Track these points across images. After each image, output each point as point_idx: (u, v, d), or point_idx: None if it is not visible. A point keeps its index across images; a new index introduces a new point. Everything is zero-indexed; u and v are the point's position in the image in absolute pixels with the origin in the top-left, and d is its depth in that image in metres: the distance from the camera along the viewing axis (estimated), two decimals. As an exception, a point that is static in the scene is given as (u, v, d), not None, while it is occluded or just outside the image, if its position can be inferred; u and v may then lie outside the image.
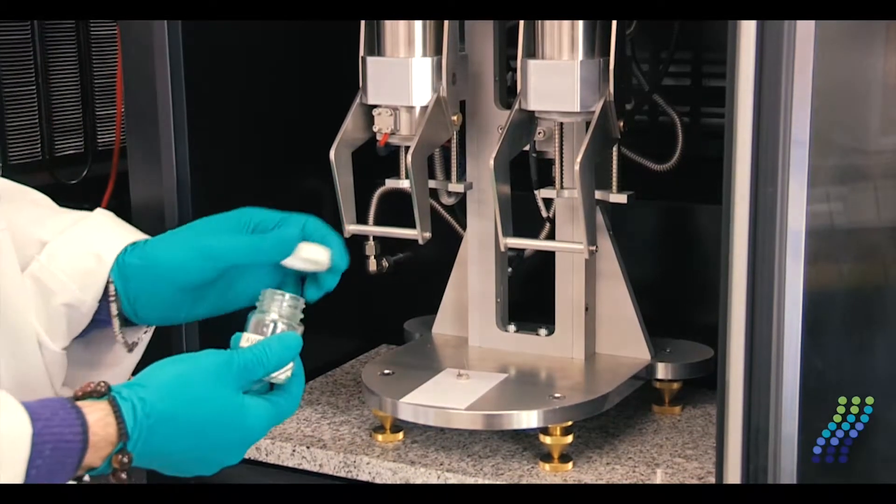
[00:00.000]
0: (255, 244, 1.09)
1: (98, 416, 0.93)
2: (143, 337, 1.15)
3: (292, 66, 1.57)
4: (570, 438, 1.34)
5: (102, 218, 1.21)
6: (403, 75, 1.37)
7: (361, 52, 1.39)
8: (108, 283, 1.12)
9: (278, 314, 1.04)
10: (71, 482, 0.94)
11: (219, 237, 1.12)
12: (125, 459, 0.93)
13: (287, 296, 1.05)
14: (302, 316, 1.06)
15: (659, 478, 1.32)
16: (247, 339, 1.03)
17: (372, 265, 1.61)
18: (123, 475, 0.94)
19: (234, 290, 1.10)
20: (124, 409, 0.94)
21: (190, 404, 0.98)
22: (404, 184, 1.45)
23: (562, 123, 1.39)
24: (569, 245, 1.41)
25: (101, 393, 0.94)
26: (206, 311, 1.12)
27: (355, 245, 1.57)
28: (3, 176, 1.23)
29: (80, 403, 0.93)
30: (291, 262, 1.08)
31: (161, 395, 0.97)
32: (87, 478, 0.95)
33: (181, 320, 1.13)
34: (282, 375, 1.03)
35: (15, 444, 0.88)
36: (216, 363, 1.00)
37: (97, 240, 1.18)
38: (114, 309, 1.11)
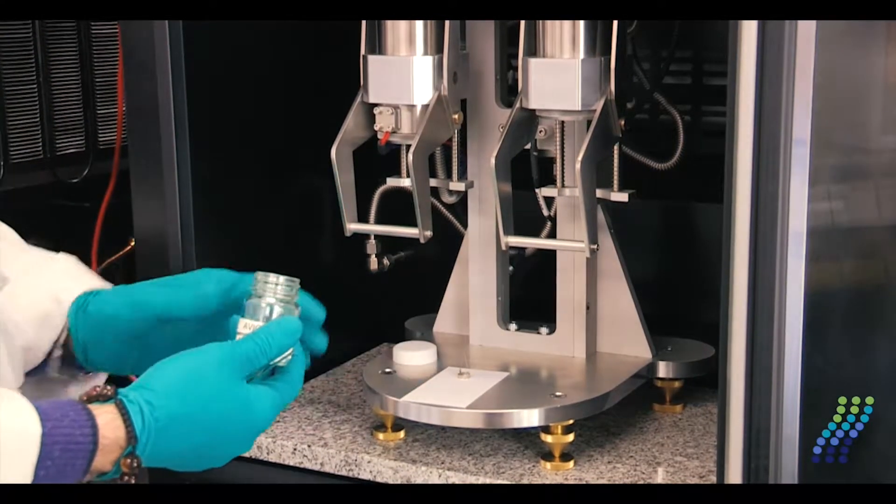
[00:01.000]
0: (171, 296, 1.11)
1: (107, 418, 0.92)
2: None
3: (293, 64, 1.57)
4: (571, 437, 1.34)
5: (66, 263, 1.22)
6: (404, 74, 1.37)
7: (362, 51, 1.39)
8: (64, 326, 1.13)
9: (274, 297, 1.04)
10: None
11: (148, 289, 1.13)
12: (134, 463, 0.93)
13: (281, 278, 1.04)
14: (297, 297, 1.05)
15: (660, 477, 1.32)
16: (244, 324, 1.03)
17: (373, 264, 1.61)
18: (132, 479, 0.94)
19: (180, 346, 1.07)
20: (132, 412, 0.93)
21: (198, 402, 0.97)
22: (405, 182, 1.45)
23: (563, 122, 1.39)
24: (570, 244, 1.41)
25: (108, 396, 0.94)
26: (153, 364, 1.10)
27: (356, 244, 1.58)
28: (3, 176, 1.23)
29: (89, 406, 0.92)
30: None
31: (168, 395, 0.96)
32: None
33: (129, 371, 1.13)
34: (283, 361, 1.03)
35: (24, 443, 0.87)
36: (220, 357, 0.99)
37: (58, 284, 1.19)
38: (56, 352, 1.13)
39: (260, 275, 1.06)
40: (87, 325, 1.13)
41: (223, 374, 0.99)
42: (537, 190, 1.45)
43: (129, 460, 0.92)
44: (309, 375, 1.66)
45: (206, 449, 1.00)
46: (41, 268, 1.21)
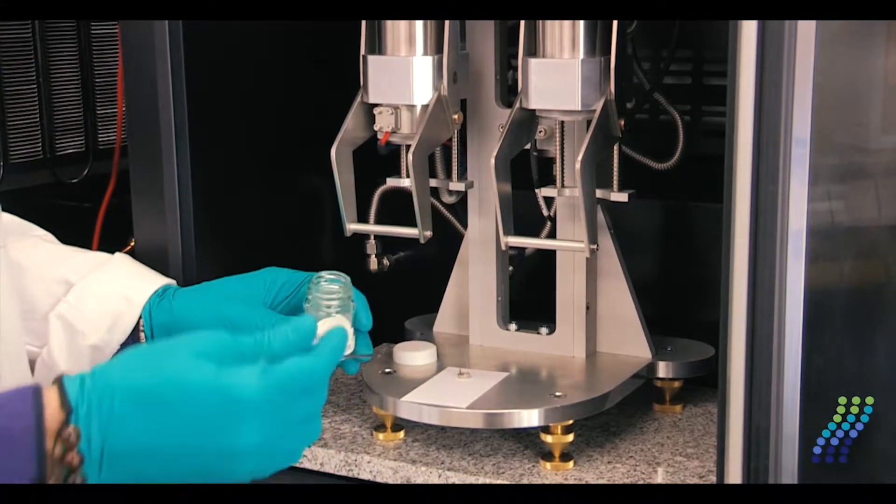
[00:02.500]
0: (248, 313, 1.14)
1: (49, 397, 0.83)
2: None
3: (293, 64, 1.57)
4: (571, 437, 1.34)
5: (125, 262, 1.26)
6: (404, 74, 1.37)
7: (362, 51, 1.39)
8: (137, 326, 1.14)
9: (327, 301, 1.05)
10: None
11: (242, 309, 1.15)
12: (72, 437, 0.81)
13: (333, 286, 1.07)
14: (351, 294, 1.08)
15: (660, 477, 1.32)
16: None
17: (373, 264, 1.61)
18: (76, 474, 0.82)
19: None
20: (69, 385, 0.84)
21: (153, 370, 0.86)
22: (405, 182, 1.45)
23: (563, 122, 1.39)
24: (570, 244, 1.41)
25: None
26: None
27: (356, 244, 1.58)
28: (3, 176, 1.25)
29: (44, 390, 0.83)
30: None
31: (117, 367, 0.86)
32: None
33: None
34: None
35: None
36: (197, 337, 0.89)
37: (125, 283, 1.22)
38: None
39: (314, 278, 1.07)
40: (164, 331, 1.15)
41: (193, 349, 0.87)
42: (537, 190, 1.45)
43: (69, 455, 0.81)
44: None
45: (177, 437, 0.85)
46: (103, 268, 1.24)
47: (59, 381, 0.84)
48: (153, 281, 1.26)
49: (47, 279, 1.23)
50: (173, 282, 1.29)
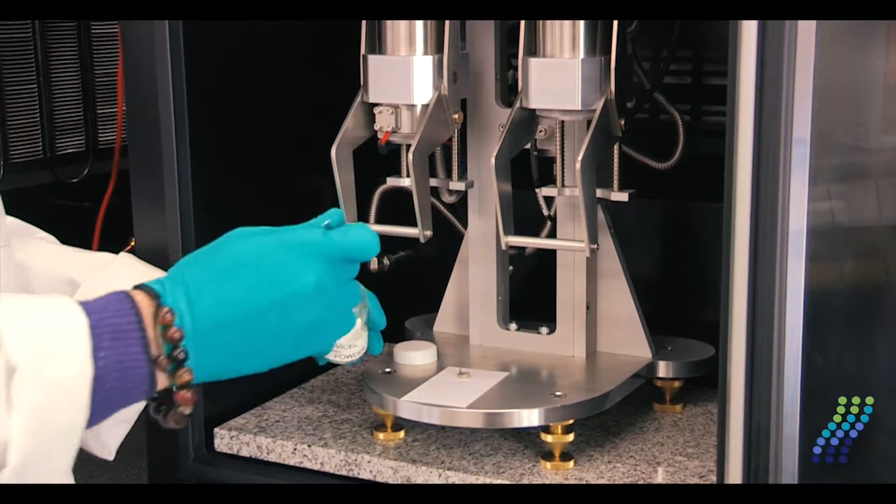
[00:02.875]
0: None
1: (138, 295, 0.91)
2: None
3: (293, 64, 1.57)
4: (571, 437, 1.34)
5: (131, 261, 1.26)
6: (404, 73, 1.37)
7: (362, 51, 1.39)
8: None
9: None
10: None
11: None
12: (167, 316, 0.89)
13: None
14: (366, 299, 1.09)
15: (660, 476, 1.32)
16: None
17: (373, 263, 1.60)
18: (186, 377, 0.90)
19: None
20: (149, 282, 0.92)
21: (215, 253, 0.95)
22: (405, 182, 1.45)
23: (563, 122, 1.39)
24: (570, 243, 1.41)
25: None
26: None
27: (356, 243, 1.57)
28: (3, 175, 1.25)
29: (130, 293, 0.91)
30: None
31: (182, 263, 0.95)
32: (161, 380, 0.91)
33: None
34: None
35: (74, 336, 0.85)
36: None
37: (132, 281, 1.22)
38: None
39: None
40: None
41: (240, 233, 0.98)
42: (537, 190, 1.45)
43: (169, 331, 0.89)
44: (309, 375, 1.67)
45: (251, 292, 0.93)
46: (109, 268, 1.25)
47: (139, 286, 0.92)
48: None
49: (52, 279, 1.23)
50: None
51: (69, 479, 0.88)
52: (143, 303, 0.90)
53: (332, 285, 0.98)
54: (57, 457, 0.85)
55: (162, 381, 0.90)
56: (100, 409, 0.86)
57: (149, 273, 1.28)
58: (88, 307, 0.88)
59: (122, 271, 1.26)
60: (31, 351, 0.82)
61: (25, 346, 0.82)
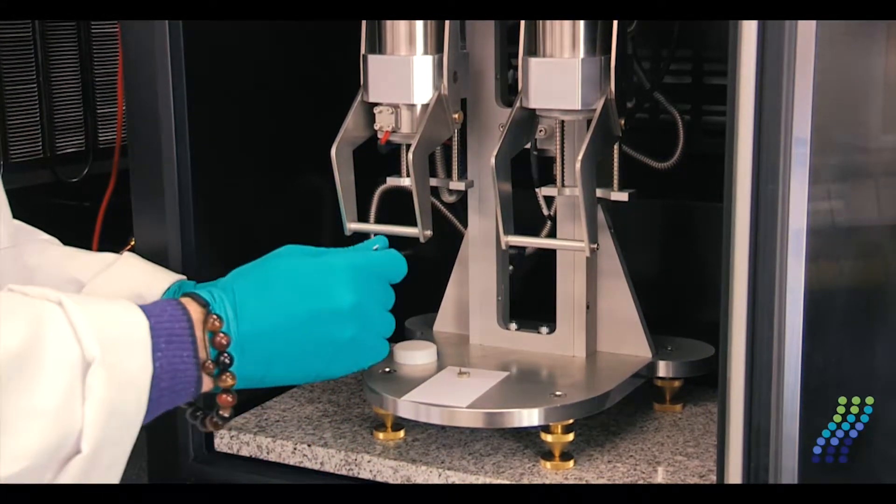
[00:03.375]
0: None
1: (188, 302, 0.97)
2: None
3: (293, 64, 1.57)
4: (571, 436, 1.34)
5: (135, 260, 1.28)
6: (404, 73, 1.37)
7: (362, 50, 1.39)
8: None
9: None
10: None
11: None
12: (216, 322, 0.95)
13: None
14: None
15: (660, 476, 1.32)
16: None
17: (373, 263, 1.60)
18: (229, 378, 0.96)
19: None
20: (199, 290, 0.99)
21: (263, 268, 1.03)
22: (405, 182, 1.45)
23: (563, 121, 1.39)
24: (570, 243, 1.41)
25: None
26: None
27: (356, 243, 1.57)
28: (3, 175, 1.25)
29: (180, 300, 0.97)
30: None
31: (232, 276, 1.02)
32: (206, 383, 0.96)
33: None
34: None
35: (138, 335, 0.91)
36: (289, 246, 1.07)
37: (136, 281, 1.24)
38: None
39: None
40: None
41: (288, 251, 1.06)
42: (537, 189, 1.45)
43: (217, 337, 0.95)
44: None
45: (293, 308, 1.00)
46: (113, 267, 1.26)
47: (189, 293, 0.98)
48: (164, 278, 1.27)
49: (57, 279, 1.24)
50: (184, 278, 1.29)
51: (122, 470, 0.92)
52: (194, 309, 0.96)
53: (370, 308, 1.04)
54: (121, 446, 0.90)
55: (206, 385, 0.97)
56: (152, 408, 0.92)
57: (153, 272, 1.28)
58: (147, 310, 0.93)
59: (127, 270, 1.27)
60: (105, 347, 0.88)
61: (100, 342, 0.87)
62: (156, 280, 1.27)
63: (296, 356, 1.01)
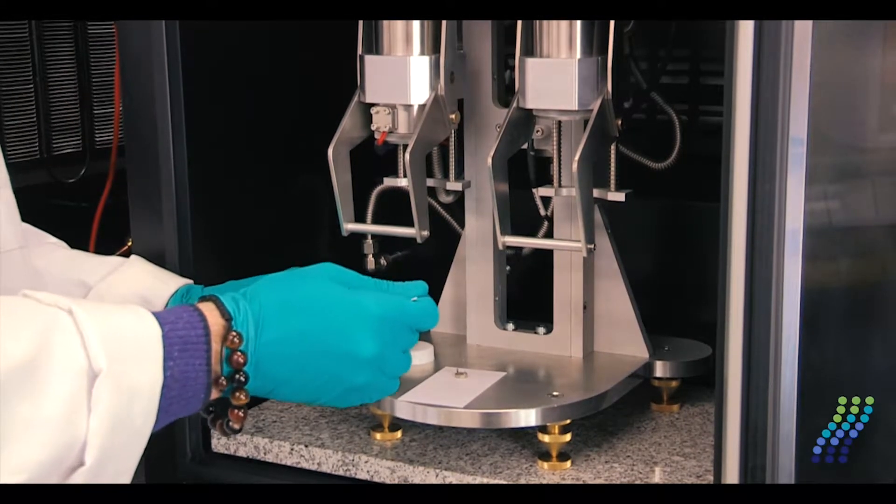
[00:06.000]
0: None
1: (209, 308, 0.95)
2: None
3: (290, 64, 1.57)
4: (568, 437, 1.34)
5: (142, 264, 1.28)
6: (401, 74, 1.37)
7: (359, 51, 1.39)
8: None
9: None
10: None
11: None
12: (235, 340, 0.94)
13: None
14: None
15: (657, 476, 1.32)
16: None
17: (370, 264, 1.61)
18: (242, 395, 0.95)
19: None
20: (225, 300, 0.96)
21: (294, 288, 1.01)
22: (402, 182, 1.45)
23: (560, 122, 1.39)
24: (567, 243, 1.41)
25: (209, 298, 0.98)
26: None
27: (353, 244, 1.58)
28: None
29: (199, 306, 0.96)
30: None
31: (263, 288, 1.00)
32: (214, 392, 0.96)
33: None
34: None
35: (148, 344, 0.90)
36: (330, 266, 1.05)
37: (143, 284, 1.24)
38: None
39: None
40: None
41: (326, 274, 1.03)
42: (534, 190, 1.45)
43: (234, 355, 0.94)
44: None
45: (314, 341, 0.99)
46: (120, 270, 1.26)
47: (213, 299, 0.96)
48: (171, 282, 1.27)
49: (65, 282, 1.24)
50: (191, 281, 1.29)
51: (129, 479, 0.91)
52: (213, 319, 0.95)
53: (390, 355, 1.04)
54: (127, 457, 0.89)
55: (215, 394, 0.96)
56: (162, 416, 0.91)
57: (160, 276, 1.28)
58: (161, 318, 0.92)
59: (133, 274, 1.27)
60: (112, 357, 0.86)
61: (108, 352, 0.86)
62: (162, 284, 1.27)
63: (305, 385, 1.00)
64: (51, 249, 1.30)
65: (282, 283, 1.01)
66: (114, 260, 1.30)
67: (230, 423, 0.99)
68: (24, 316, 0.86)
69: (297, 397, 1.02)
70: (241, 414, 0.98)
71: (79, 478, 0.86)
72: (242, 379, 0.95)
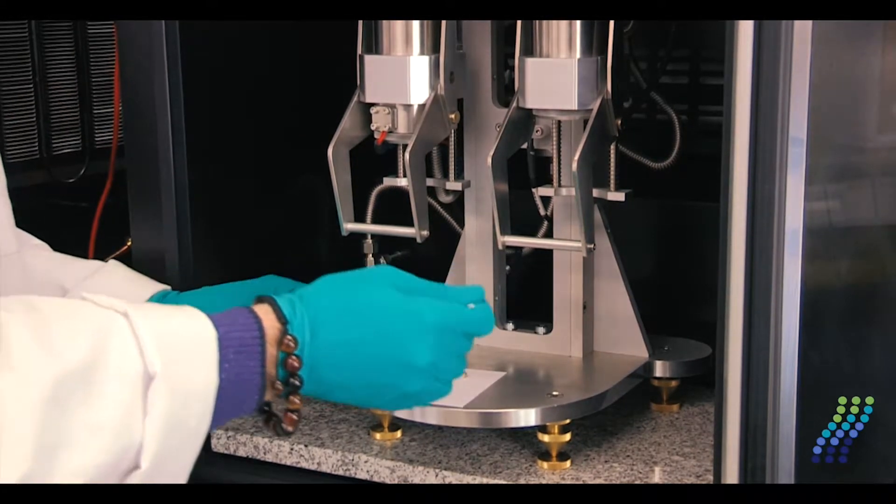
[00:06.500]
0: None
1: (264, 310, 0.95)
2: None
3: (290, 64, 1.57)
4: (568, 436, 1.34)
5: (119, 268, 1.28)
6: (401, 73, 1.37)
7: (359, 51, 1.39)
8: None
9: None
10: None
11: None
12: (295, 363, 0.94)
13: None
14: None
15: (657, 476, 1.32)
16: None
17: (370, 263, 1.61)
18: (297, 400, 0.95)
19: None
20: (281, 303, 0.96)
21: (352, 293, 1.00)
22: (402, 182, 1.45)
23: (559, 121, 1.39)
24: (567, 243, 1.41)
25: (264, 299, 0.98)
26: None
27: (353, 243, 1.58)
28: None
29: (255, 308, 0.96)
30: None
31: (320, 291, 0.99)
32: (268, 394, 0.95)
33: None
34: None
35: (203, 346, 0.90)
36: (389, 270, 1.04)
37: (120, 289, 1.24)
38: None
39: None
40: None
41: (385, 279, 1.02)
42: (534, 189, 1.45)
43: (290, 359, 0.94)
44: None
45: (369, 348, 0.98)
46: (97, 275, 1.27)
47: (269, 301, 0.96)
48: (147, 287, 1.28)
49: (44, 285, 1.25)
50: (168, 287, 1.30)
51: (186, 480, 0.93)
52: (269, 322, 0.94)
53: (445, 361, 1.03)
54: (182, 459, 0.90)
55: (270, 396, 0.95)
56: (216, 417, 0.91)
57: (136, 280, 1.29)
58: (216, 320, 0.92)
59: (110, 278, 1.28)
60: (168, 360, 0.87)
61: (163, 355, 0.86)
62: (139, 289, 1.27)
63: (359, 390, 1.00)
64: (35, 252, 1.31)
65: (339, 288, 1.01)
66: (93, 264, 1.30)
67: (283, 426, 0.99)
68: (81, 320, 0.86)
69: (350, 401, 1.02)
70: (294, 417, 0.97)
71: (135, 480, 0.86)
72: (297, 383, 0.95)
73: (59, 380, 0.82)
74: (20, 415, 0.80)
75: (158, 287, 1.28)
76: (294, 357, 0.94)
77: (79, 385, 0.83)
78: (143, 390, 0.86)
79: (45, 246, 1.33)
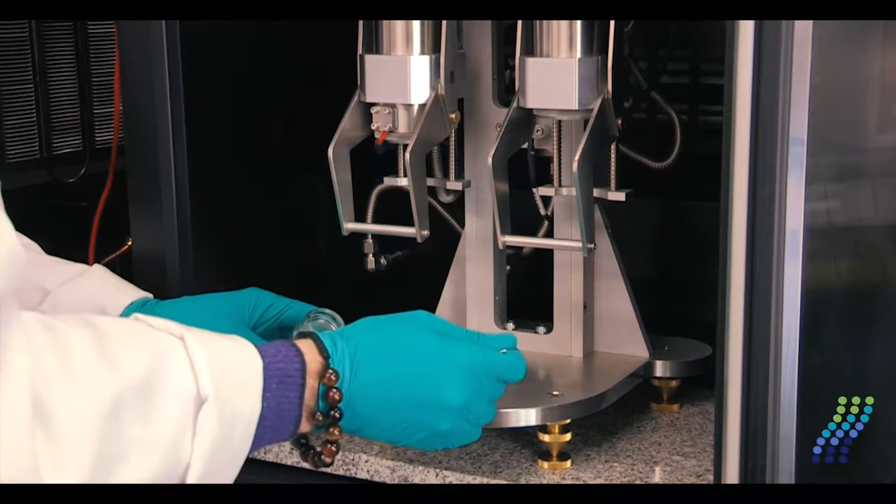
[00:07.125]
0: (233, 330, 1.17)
1: (307, 346, 0.99)
2: None
3: (290, 63, 1.57)
4: (568, 436, 1.34)
5: (102, 273, 1.29)
6: (401, 73, 1.37)
7: (359, 50, 1.39)
8: None
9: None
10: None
11: (227, 326, 1.18)
12: (336, 395, 0.98)
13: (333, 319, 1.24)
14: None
15: (657, 476, 1.32)
16: None
17: (370, 263, 1.60)
18: (336, 431, 0.99)
19: None
20: (324, 339, 1.01)
21: (390, 333, 1.05)
22: (402, 182, 1.45)
23: (560, 121, 1.39)
24: (567, 243, 1.41)
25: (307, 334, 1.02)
26: None
27: (353, 243, 1.58)
28: (0, 175, 1.26)
29: (298, 343, 1.00)
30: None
31: (363, 331, 1.04)
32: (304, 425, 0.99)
33: None
34: None
35: (250, 375, 0.94)
36: (425, 314, 1.09)
37: (101, 294, 1.24)
38: None
39: (311, 313, 1.23)
40: None
41: (422, 322, 1.08)
42: (534, 189, 1.45)
43: (330, 392, 0.98)
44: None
45: (405, 386, 1.02)
46: (79, 279, 1.27)
47: (313, 336, 1.01)
48: (129, 293, 1.28)
49: (27, 286, 1.24)
50: (150, 295, 1.30)
51: None
52: (311, 356, 0.99)
53: (476, 403, 1.07)
54: (223, 479, 0.94)
55: (304, 427, 0.99)
56: (255, 442, 0.95)
57: (119, 286, 1.29)
58: (262, 350, 0.96)
59: (92, 283, 1.28)
60: (219, 385, 0.90)
61: (215, 380, 0.90)
62: (121, 294, 1.28)
63: (390, 427, 1.04)
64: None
65: (378, 327, 1.05)
66: (76, 267, 1.30)
67: (322, 457, 1.03)
68: (139, 338, 0.89)
69: (381, 437, 1.06)
70: (333, 448, 1.01)
71: None
72: (337, 415, 0.99)
73: (118, 394, 0.84)
74: (82, 425, 0.82)
75: (140, 294, 1.29)
76: (335, 390, 0.98)
77: (136, 401, 0.85)
78: (195, 412, 0.89)
79: (35, 246, 1.33)
